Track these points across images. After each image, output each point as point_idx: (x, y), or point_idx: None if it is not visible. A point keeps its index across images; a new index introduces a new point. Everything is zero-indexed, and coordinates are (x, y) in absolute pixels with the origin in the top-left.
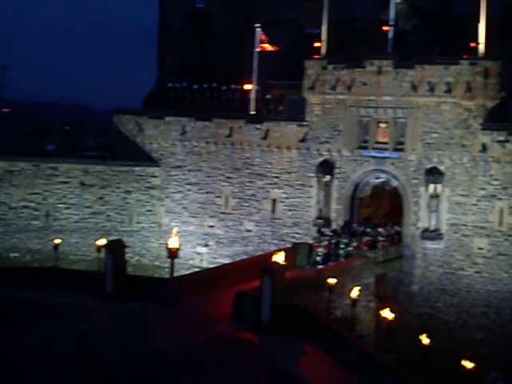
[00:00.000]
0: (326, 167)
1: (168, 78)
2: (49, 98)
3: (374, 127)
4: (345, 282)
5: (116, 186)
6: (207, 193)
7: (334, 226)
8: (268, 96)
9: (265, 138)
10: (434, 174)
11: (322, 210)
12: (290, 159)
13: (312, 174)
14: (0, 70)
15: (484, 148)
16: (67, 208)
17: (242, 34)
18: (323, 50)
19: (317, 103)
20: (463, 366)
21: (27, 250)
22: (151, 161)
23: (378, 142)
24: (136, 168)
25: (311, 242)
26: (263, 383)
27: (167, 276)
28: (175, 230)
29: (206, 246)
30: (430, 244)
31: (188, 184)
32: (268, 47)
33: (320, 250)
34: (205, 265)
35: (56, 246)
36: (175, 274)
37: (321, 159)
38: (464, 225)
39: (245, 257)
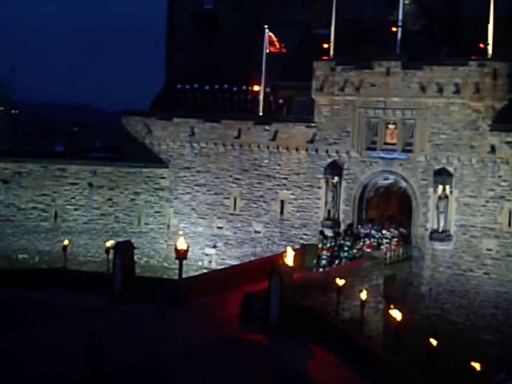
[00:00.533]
0: (335, 168)
1: (176, 79)
2: (56, 100)
3: (383, 128)
4: (353, 283)
5: (124, 187)
6: (216, 194)
7: (337, 229)
8: (281, 101)
9: (273, 139)
10: (442, 175)
11: (331, 211)
12: (298, 160)
13: (320, 176)
14: (8, 72)
15: (493, 149)
16: (76, 209)
17: (251, 34)
18: (331, 51)
19: (325, 104)
20: (472, 367)
21: (36, 251)
22: (160, 162)
23: (386, 143)
24: (144, 169)
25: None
26: None
27: (176, 277)
28: (180, 233)
29: (215, 247)
30: (438, 245)
31: (196, 185)
32: (277, 48)
33: (324, 253)
34: (213, 266)
35: (65, 248)
36: (184, 276)
37: (329, 160)
38: (473, 226)
39: (253, 258)
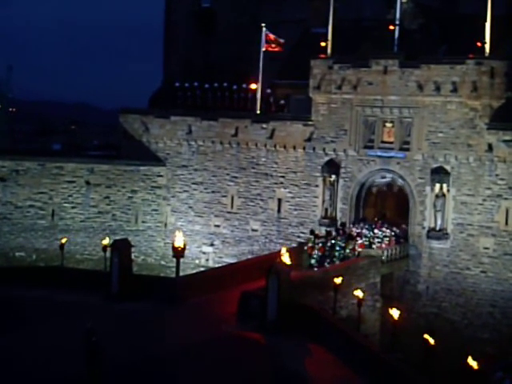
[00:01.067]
0: (332, 167)
1: (173, 77)
2: (54, 98)
3: (380, 127)
4: (351, 282)
5: (122, 185)
6: (213, 192)
7: (328, 228)
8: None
9: (270, 137)
10: (439, 174)
11: (328, 209)
12: (295, 159)
13: (318, 174)
14: (6, 70)
15: (490, 148)
16: (73, 207)
17: (248, 33)
18: (329, 50)
19: (322, 103)
20: (469, 366)
21: (33, 249)
22: (157, 160)
23: (383, 142)
24: (142, 167)
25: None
26: (269, 382)
27: (173, 275)
28: (177, 232)
29: (212, 245)
30: (435, 244)
31: (194, 183)
32: (274, 47)
33: (315, 252)
34: (211, 264)
35: (62, 246)
36: (181, 274)
37: (326, 159)
38: (470, 224)
39: (250, 256)
